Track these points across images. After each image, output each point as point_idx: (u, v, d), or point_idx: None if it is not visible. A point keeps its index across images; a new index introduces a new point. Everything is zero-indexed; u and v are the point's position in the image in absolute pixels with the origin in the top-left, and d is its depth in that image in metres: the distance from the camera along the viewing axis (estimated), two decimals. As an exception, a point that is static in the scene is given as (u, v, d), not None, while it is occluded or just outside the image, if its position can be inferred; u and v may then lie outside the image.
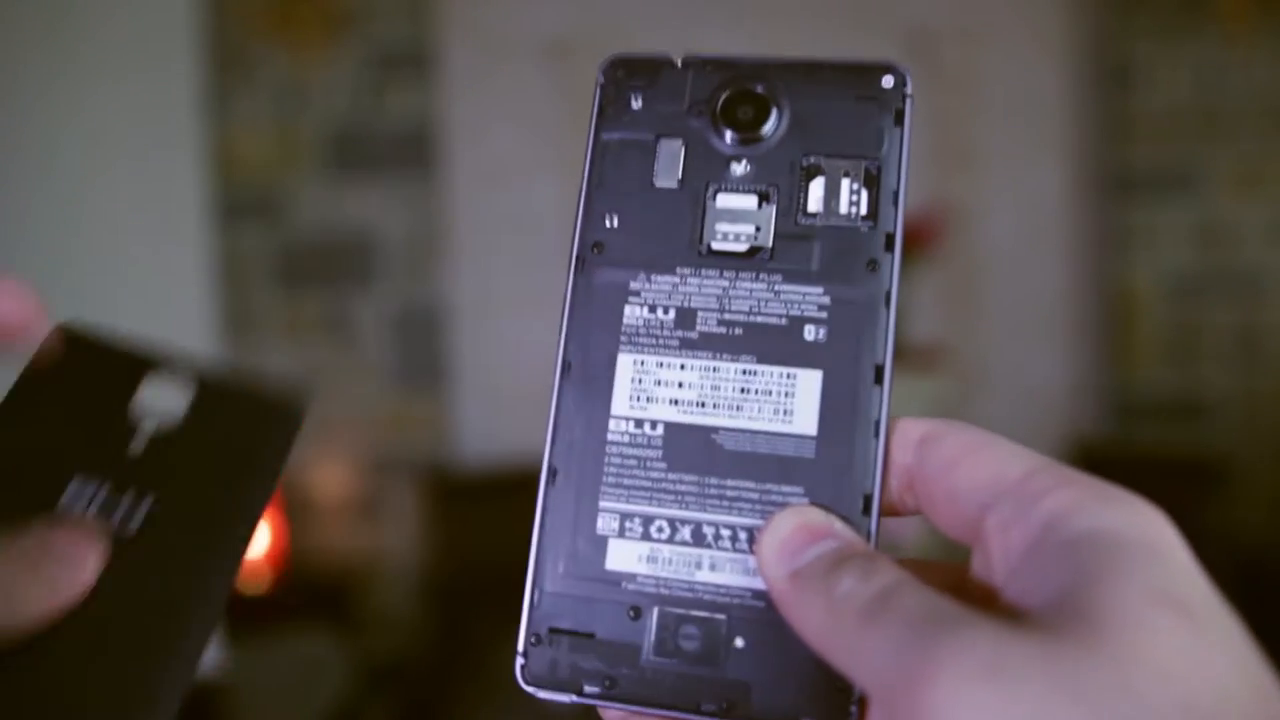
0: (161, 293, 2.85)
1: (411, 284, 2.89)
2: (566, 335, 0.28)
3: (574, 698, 0.26)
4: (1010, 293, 2.92)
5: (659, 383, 0.28)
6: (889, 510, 0.26)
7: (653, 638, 0.26)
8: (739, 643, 0.26)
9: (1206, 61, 2.80)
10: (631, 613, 0.27)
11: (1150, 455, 2.74)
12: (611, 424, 0.28)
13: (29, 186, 2.78)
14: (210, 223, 2.86)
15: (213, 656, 2.10)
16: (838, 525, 0.25)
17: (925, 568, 0.25)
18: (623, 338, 0.28)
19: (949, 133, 2.89)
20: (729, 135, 0.29)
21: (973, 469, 0.24)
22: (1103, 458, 2.72)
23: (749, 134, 0.28)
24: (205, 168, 2.84)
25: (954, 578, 0.24)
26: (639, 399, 0.28)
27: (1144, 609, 0.20)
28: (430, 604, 2.72)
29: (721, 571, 0.26)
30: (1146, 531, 0.21)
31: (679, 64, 0.29)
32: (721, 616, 0.26)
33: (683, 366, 0.28)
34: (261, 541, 2.63)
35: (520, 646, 0.27)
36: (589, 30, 2.90)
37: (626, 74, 0.29)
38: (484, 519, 2.72)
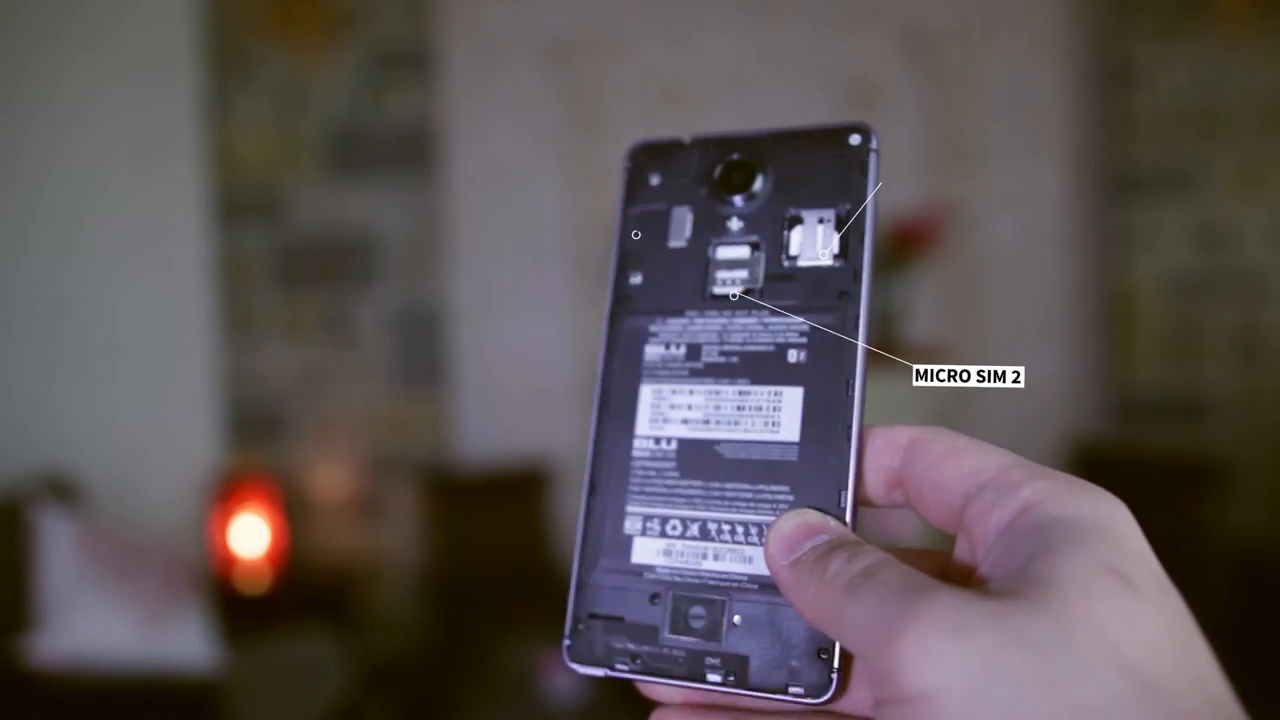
0: (162, 293, 2.85)
1: (411, 284, 2.89)
2: (603, 375, 0.34)
3: (607, 672, 0.31)
4: (1010, 293, 2.92)
5: (672, 406, 0.33)
6: (873, 503, 0.30)
7: (668, 618, 0.31)
8: (736, 619, 0.30)
9: (1206, 61, 2.80)
10: (652, 598, 0.32)
11: (1150, 455, 2.74)
12: (636, 443, 0.33)
13: (32, 187, 2.78)
14: (210, 223, 2.86)
15: (213, 656, 2.10)
16: (832, 523, 0.29)
17: (917, 555, 0.29)
18: (644, 371, 0.34)
19: (949, 133, 2.89)
20: (725, 198, 0.34)
21: (957, 465, 0.28)
22: (1103, 457, 2.72)
23: (741, 195, 0.34)
24: (206, 168, 2.85)
25: (942, 562, 0.28)
26: (657, 420, 0.33)
27: (1089, 576, 0.23)
28: (430, 604, 2.72)
29: (723, 560, 0.31)
30: (1105, 515, 0.25)
31: (688, 142, 0.35)
32: (723, 598, 0.31)
33: (691, 392, 0.33)
34: (262, 541, 2.63)
35: (566, 630, 0.32)
36: (589, 31, 2.90)
37: (648, 157, 0.36)
38: (484, 519, 2.72)
